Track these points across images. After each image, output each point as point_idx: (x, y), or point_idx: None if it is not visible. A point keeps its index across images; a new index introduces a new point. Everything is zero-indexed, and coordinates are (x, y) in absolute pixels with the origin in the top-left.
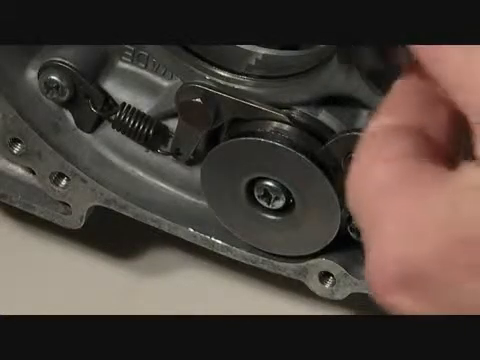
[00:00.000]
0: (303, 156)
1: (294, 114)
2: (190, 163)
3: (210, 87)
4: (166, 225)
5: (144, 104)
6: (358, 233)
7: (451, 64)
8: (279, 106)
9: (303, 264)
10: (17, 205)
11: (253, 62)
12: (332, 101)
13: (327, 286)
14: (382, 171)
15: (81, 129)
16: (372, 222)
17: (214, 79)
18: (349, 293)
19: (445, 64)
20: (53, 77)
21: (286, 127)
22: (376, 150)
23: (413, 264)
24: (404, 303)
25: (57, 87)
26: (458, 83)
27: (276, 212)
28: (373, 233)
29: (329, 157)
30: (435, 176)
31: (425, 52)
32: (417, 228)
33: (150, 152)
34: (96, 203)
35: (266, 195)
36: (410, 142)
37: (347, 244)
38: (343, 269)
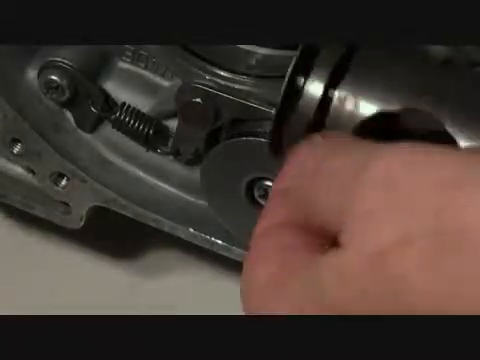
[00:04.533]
0: None
1: None
2: (190, 163)
3: (210, 87)
4: (166, 225)
5: (144, 104)
6: None
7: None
8: None
9: None
10: (17, 205)
11: (253, 62)
12: None
13: None
14: (262, 272)
15: (81, 129)
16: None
17: (214, 79)
18: None
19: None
20: (53, 77)
21: None
22: (256, 252)
23: None
24: None
25: (57, 87)
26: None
27: None
28: None
29: None
30: (307, 262)
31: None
32: None
33: (150, 152)
34: (96, 203)
35: (266, 195)
36: (287, 237)
37: None
38: None
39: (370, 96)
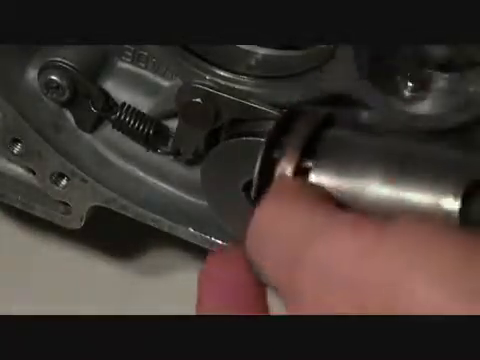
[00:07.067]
0: None
1: None
2: (190, 163)
3: (210, 87)
4: (166, 225)
5: (144, 104)
6: None
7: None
8: (279, 106)
9: None
10: (17, 205)
11: (253, 62)
12: (332, 101)
13: None
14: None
15: (81, 129)
16: None
17: (214, 79)
18: None
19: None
20: (53, 77)
21: None
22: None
23: None
24: None
25: (57, 87)
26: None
27: None
28: None
29: None
30: None
31: None
32: None
33: (150, 152)
34: (96, 203)
35: None
36: None
37: None
38: None
39: (347, 168)
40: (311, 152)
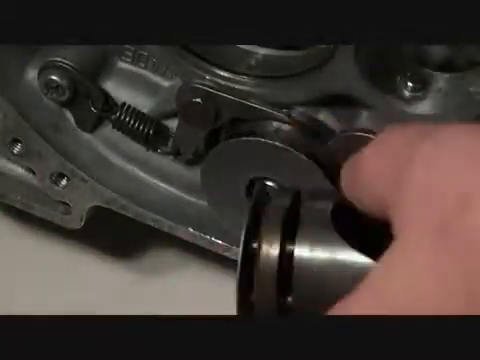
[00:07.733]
0: (303, 156)
1: (294, 114)
2: (190, 163)
3: (210, 87)
4: (166, 225)
5: (144, 104)
6: None
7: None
8: (279, 106)
9: None
10: (17, 205)
11: (253, 62)
12: (332, 101)
13: None
14: None
15: (81, 129)
16: None
17: (214, 79)
18: None
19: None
20: (53, 77)
21: (286, 127)
22: None
23: None
24: None
25: (57, 87)
26: None
27: None
28: None
29: (329, 157)
30: None
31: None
32: None
33: (150, 152)
34: (96, 203)
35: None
36: None
37: None
38: None
39: (328, 241)
40: (291, 232)
